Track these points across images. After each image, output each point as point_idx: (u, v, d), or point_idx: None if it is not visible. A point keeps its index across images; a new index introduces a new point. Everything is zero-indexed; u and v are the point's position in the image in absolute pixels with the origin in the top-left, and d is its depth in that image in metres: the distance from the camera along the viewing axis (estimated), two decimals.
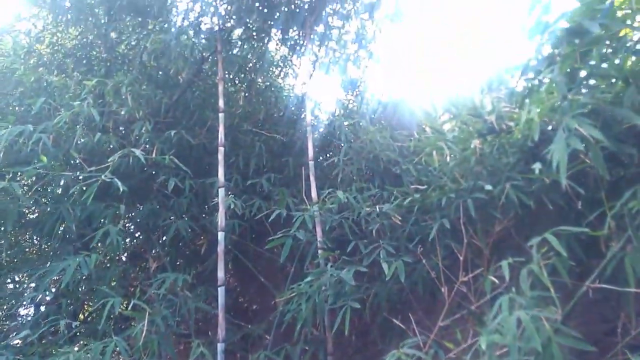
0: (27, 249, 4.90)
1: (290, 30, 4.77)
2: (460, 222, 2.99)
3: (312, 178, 4.05)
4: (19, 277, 4.76)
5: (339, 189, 3.86)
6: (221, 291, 3.60)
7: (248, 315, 4.98)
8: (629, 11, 2.35)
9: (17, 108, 4.36)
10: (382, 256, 3.24)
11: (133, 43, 4.92)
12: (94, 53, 4.92)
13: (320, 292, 3.22)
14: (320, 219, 3.73)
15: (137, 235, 4.78)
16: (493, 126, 2.98)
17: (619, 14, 2.33)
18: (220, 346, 3.43)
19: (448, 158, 3.11)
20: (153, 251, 4.45)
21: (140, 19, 4.80)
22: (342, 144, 4.18)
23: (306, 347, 3.64)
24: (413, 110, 4.80)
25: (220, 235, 3.81)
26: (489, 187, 2.83)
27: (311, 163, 4.09)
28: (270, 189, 4.43)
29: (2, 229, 3.97)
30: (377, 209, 3.42)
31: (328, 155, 4.91)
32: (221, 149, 4.16)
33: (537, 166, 2.51)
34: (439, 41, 5.47)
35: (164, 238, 4.31)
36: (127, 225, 4.60)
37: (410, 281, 3.20)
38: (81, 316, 4.65)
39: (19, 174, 4.05)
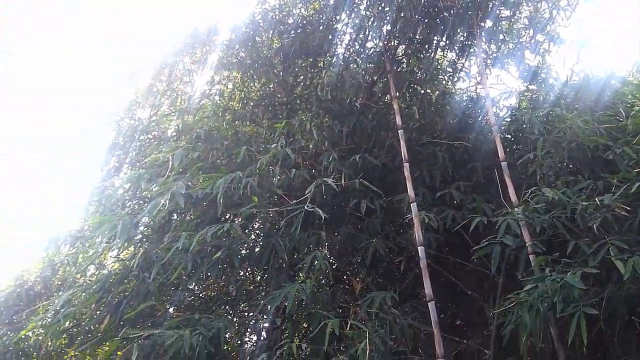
0: (247, 283, 5.49)
1: (456, 33, 4.64)
2: None
3: (507, 180, 3.80)
4: (242, 308, 5.36)
5: (540, 187, 3.55)
6: (432, 306, 3.55)
7: (456, 330, 4.80)
8: None
9: (225, 160, 4.99)
10: (613, 254, 2.86)
11: (307, 83, 5.30)
12: (277, 99, 5.43)
13: (544, 300, 2.96)
14: (525, 221, 3.46)
15: (337, 259, 5.00)
16: None
17: None
18: None
19: None
20: (355, 273, 4.61)
21: (311, 60, 5.16)
22: (537, 138, 3.84)
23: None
24: (612, 88, 4.25)
25: (421, 250, 3.78)
26: None
27: (504, 164, 3.85)
28: (462, 198, 4.28)
29: (229, 267, 4.51)
30: (597, 202, 3.04)
31: (517, 153, 4.58)
32: (406, 165, 4.18)
33: None
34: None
35: (364, 259, 4.44)
36: (327, 250, 4.85)
37: None
38: (296, 340, 5.02)
39: (234, 215, 4.59)
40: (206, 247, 4.15)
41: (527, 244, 3.43)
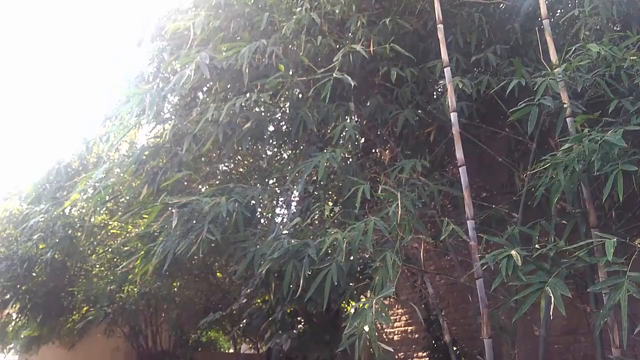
0: (276, 158, 5.58)
1: None
2: None
3: (548, 39, 3.56)
4: (273, 181, 5.51)
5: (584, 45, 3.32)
6: (462, 170, 3.55)
7: (484, 198, 4.88)
8: None
9: (247, 29, 4.78)
10: None
11: None
12: None
13: (580, 161, 2.91)
14: (565, 82, 3.29)
15: (366, 130, 4.97)
16: None
17: None
18: (470, 223, 3.44)
19: None
20: (384, 144, 4.60)
21: None
22: None
23: (563, 222, 3.41)
24: None
25: (453, 116, 3.70)
26: None
27: (546, 22, 3.57)
28: (498, 62, 4.08)
29: (259, 140, 4.54)
30: None
31: (560, 13, 4.25)
32: (440, 27, 3.93)
33: None
34: None
35: (393, 130, 4.40)
36: (357, 121, 4.81)
37: None
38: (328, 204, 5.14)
39: (260, 86, 4.51)
40: (235, 119, 4.15)
41: (565, 106, 3.30)
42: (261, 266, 3.56)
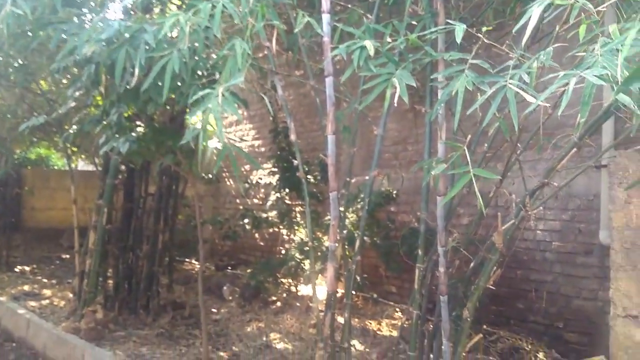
0: None
1: None
2: None
3: None
4: None
5: None
6: None
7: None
8: None
9: None
10: None
11: None
12: None
13: None
14: None
15: None
16: None
17: None
18: (325, 17, 3.25)
19: None
20: None
21: None
22: None
23: (414, 22, 3.41)
24: None
25: None
26: None
27: None
28: None
29: None
30: None
31: None
32: None
33: None
34: None
35: None
36: None
37: None
38: None
39: None
40: None
41: None
42: (85, 48, 3.01)
